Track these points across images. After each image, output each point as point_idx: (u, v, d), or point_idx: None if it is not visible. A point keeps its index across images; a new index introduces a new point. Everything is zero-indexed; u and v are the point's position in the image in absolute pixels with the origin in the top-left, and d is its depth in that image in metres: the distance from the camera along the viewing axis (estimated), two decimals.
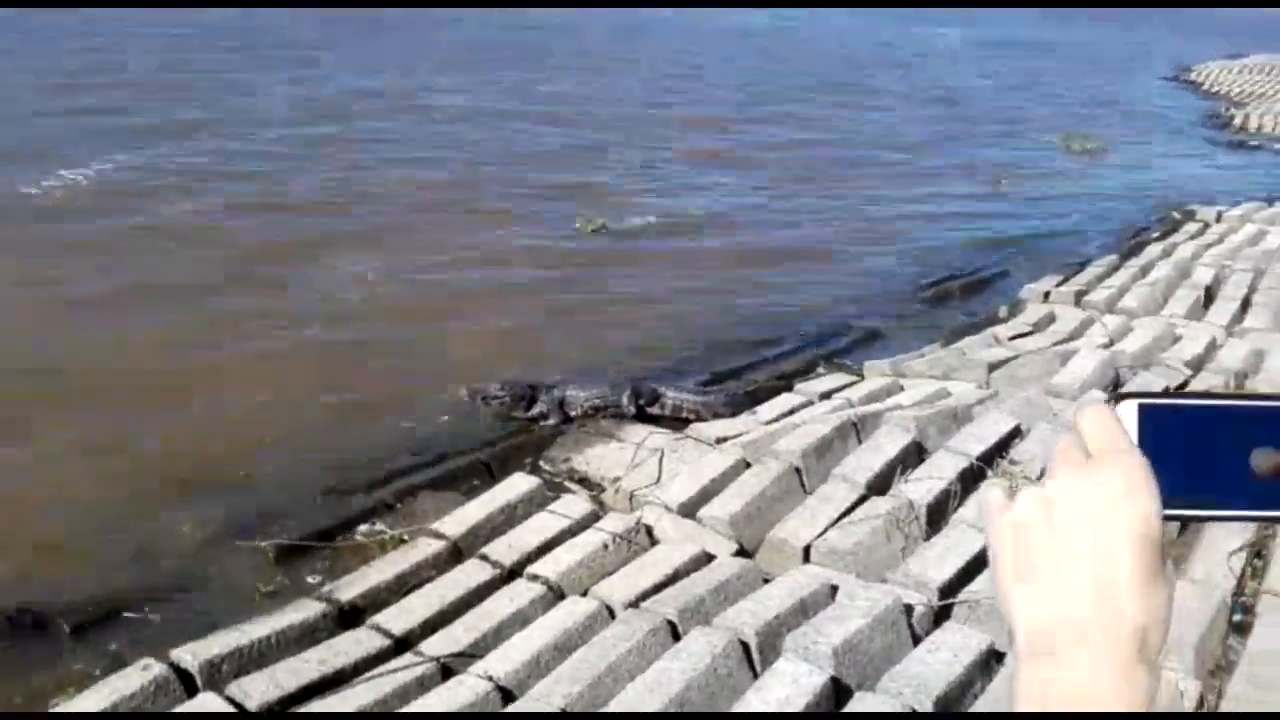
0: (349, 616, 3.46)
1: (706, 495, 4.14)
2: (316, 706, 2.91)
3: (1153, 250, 9.08)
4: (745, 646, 3.00)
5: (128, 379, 5.43)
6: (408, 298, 6.94)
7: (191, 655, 3.08)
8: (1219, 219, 10.52)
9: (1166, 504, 0.68)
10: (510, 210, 9.17)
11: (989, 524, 0.73)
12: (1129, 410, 0.73)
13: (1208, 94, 23.19)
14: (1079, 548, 0.67)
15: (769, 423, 4.99)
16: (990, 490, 0.76)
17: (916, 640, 3.20)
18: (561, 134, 12.93)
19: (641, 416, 5.17)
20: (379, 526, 4.15)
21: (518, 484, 4.20)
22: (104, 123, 11.15)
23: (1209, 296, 7.49)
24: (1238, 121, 19.50)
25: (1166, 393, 0.79)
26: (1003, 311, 7.34)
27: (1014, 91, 21.20)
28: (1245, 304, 7.20)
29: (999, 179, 12.25)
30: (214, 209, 8.51)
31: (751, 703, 2.70)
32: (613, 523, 3.90)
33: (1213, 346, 6.28)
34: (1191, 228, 10.23)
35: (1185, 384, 5.59)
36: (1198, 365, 5.89)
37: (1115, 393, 0.80)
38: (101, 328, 6.02)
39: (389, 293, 6.94)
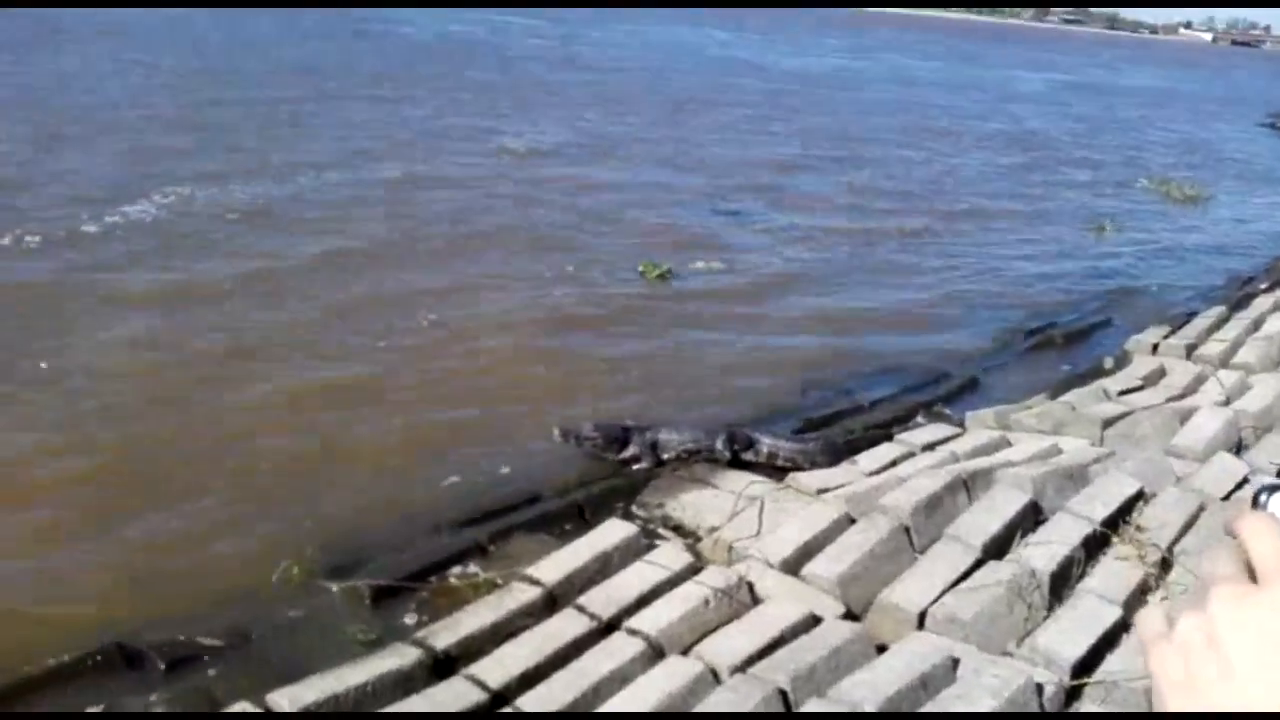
0: (443, 664, 3.35)
1: (810, 551, 3.96)
2: None
3: (1262, 303, 8.64)
4: None
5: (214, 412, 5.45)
6: (490, 336, 6.88)
7: (288, 701, 3.00)
8: None
9: None
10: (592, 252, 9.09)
11: (1148, 651, 0.67)
12: None
13: None
14: (1251, 689, 0.59)
15: (871, 474, 4.80)
16: (1148, 614, 0.68)
17: None
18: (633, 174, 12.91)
19: (736, 463, 5.02)
20: (472, 569, 4.05)
21: (613, 531, 4.06)
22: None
23: None
24: None
25: None
26: (1108, 363, 7.02)
27: (1105, 136, 20.68)
28: None
29: (1102, 226, 11.89)
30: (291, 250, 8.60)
31: None
32: (713, 576, 3.74)
33: None
34: None
35: None
36: None
37: (1267, 484, 0.67)
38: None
39: (469, 330, 6.87)
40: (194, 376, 5.73)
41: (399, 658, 3.29)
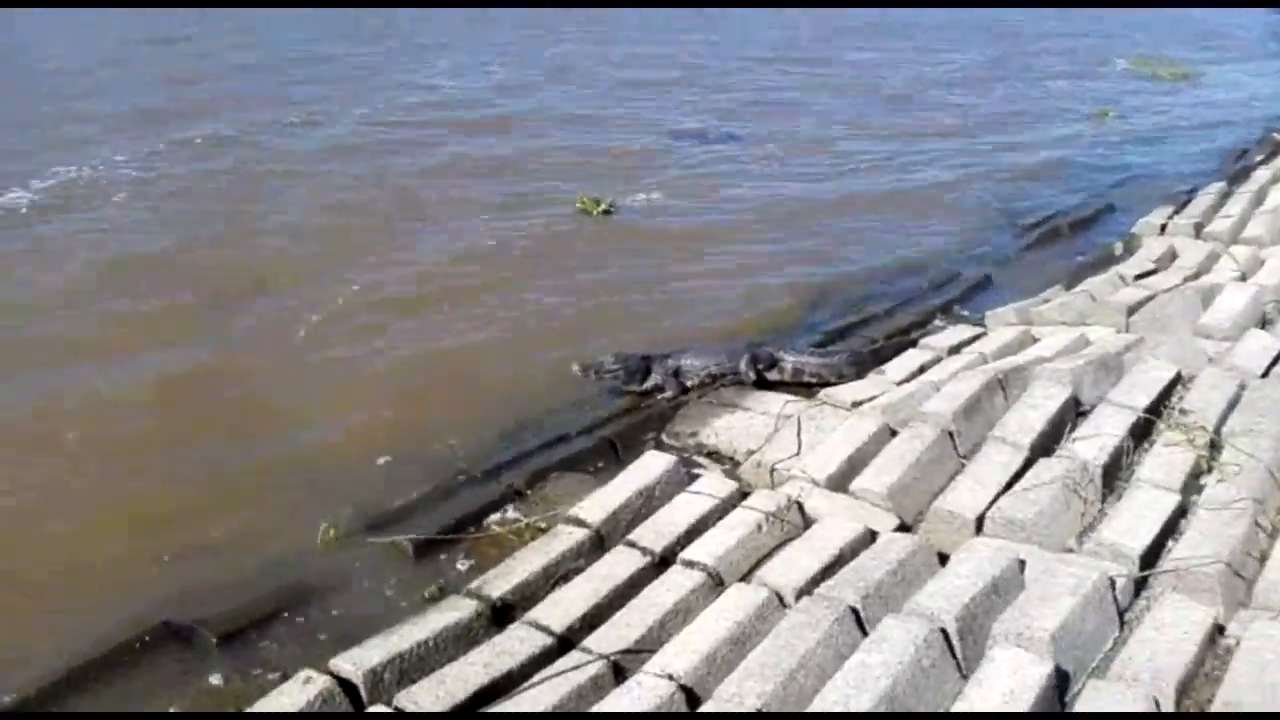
0: (501, 613, 3.28)
1: (855, 465, 3.90)
2: (493, 713, 2.73)
3: (1261, 175, 8.57)
4: (945, 635, 2.76)
5: (235, 375, 5.30)
6: (489, 275, 6.72)
7: (353, 665, 2.92)
8: None
9: None
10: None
11: None
12: None
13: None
14: None
15: (901, 383, 4.73)
16: None
17: (1121, 616, 2.96)
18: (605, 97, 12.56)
19: (761, 383, 4.93)
20: (512, 514, 3.97)
21: (652, 464, 3.97)
22: None
23: None
24: None
25: None
26: (1118, 248, 6.95)
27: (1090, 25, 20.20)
28: None
29: (1105, 112, 11.70)
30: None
31: (973, 699, 2.47)
32: (761, 500, 3.67)
33: None
34: None
35: None
36: None
37: None
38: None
39: (468, 271, 6.69)
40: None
41: (457, 610, 3.22)
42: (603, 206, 7.81)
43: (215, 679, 3.13)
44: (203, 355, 5.48)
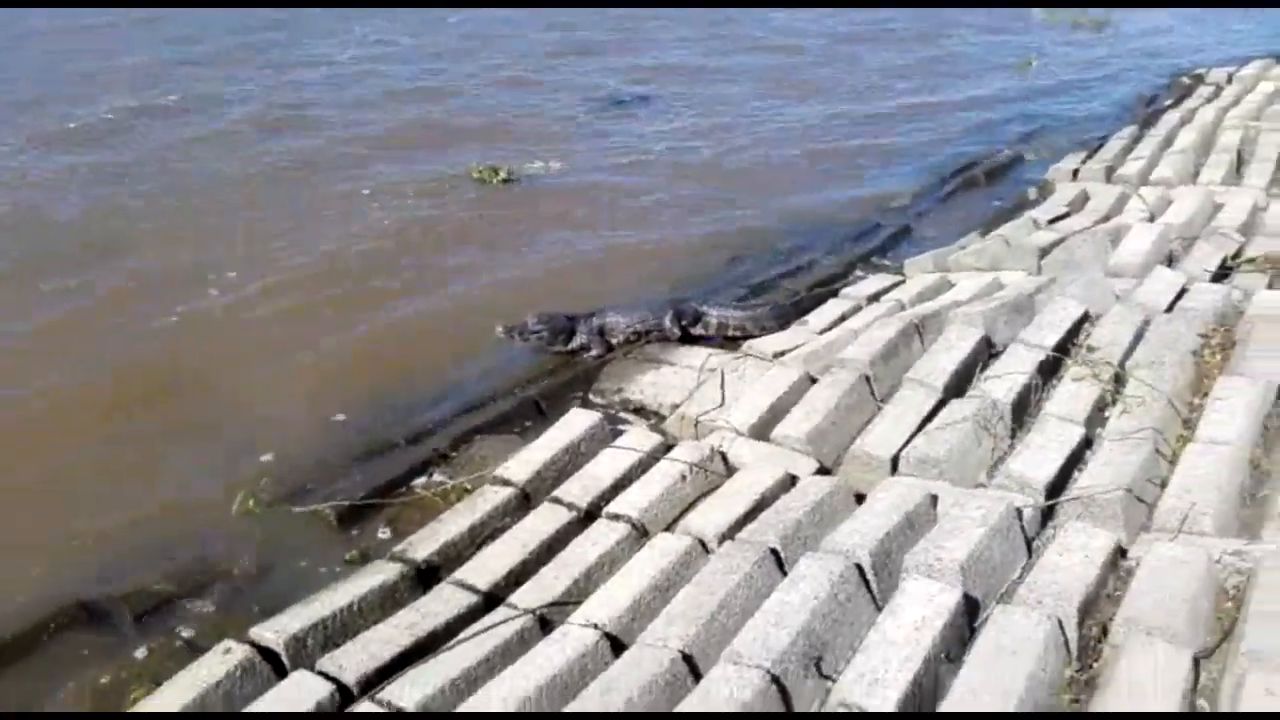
0: (426, 575, 3.27)
1: (776, 414, 3.95)
2: (417, 672, 2.73)
3: (1170, 118, 8.77)
4: (860, 570, 2.83)
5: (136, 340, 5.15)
6: (419, 235, 6.62)
7: (273, 633, 2.89)
8: (1230, 80, 10.21)
9: None
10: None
11: None
12: None
13: None
14: None
15: (823, 332, 4.79)
16: None
17: (1029, 545, 3.05)
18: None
19: (686, 338, 4.96)
20: (438, 477, 3.96)
21: (577, 420, 3.98)
22: None
23: (1240, 159, 7.25)
24: None
25: None
26: (1032, 194, 7.09)
27: None
28: None
29: (1028, 62, 11.87)
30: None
31: (887, 628, 2.54)
32: (685, 452, 3.70)
33: (1257, 210, 6.07)
34: (1205, 91, 9.91)
35: (1240, 251, 5.40)
36: (1247, 230, 5.70)
37: None
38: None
39: (375, 247, 6.52)
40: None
41: (380, 574, 3.20)
42: (501, 175, 7.69)
43: (130, 656, 3.07)
44: (117, 340, 5.31)
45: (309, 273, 6.06)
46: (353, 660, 2.80)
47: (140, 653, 3.08)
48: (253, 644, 2.89)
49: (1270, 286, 4.81)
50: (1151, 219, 5.98)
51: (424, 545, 3.36)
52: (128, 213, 7.03)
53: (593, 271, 6.11)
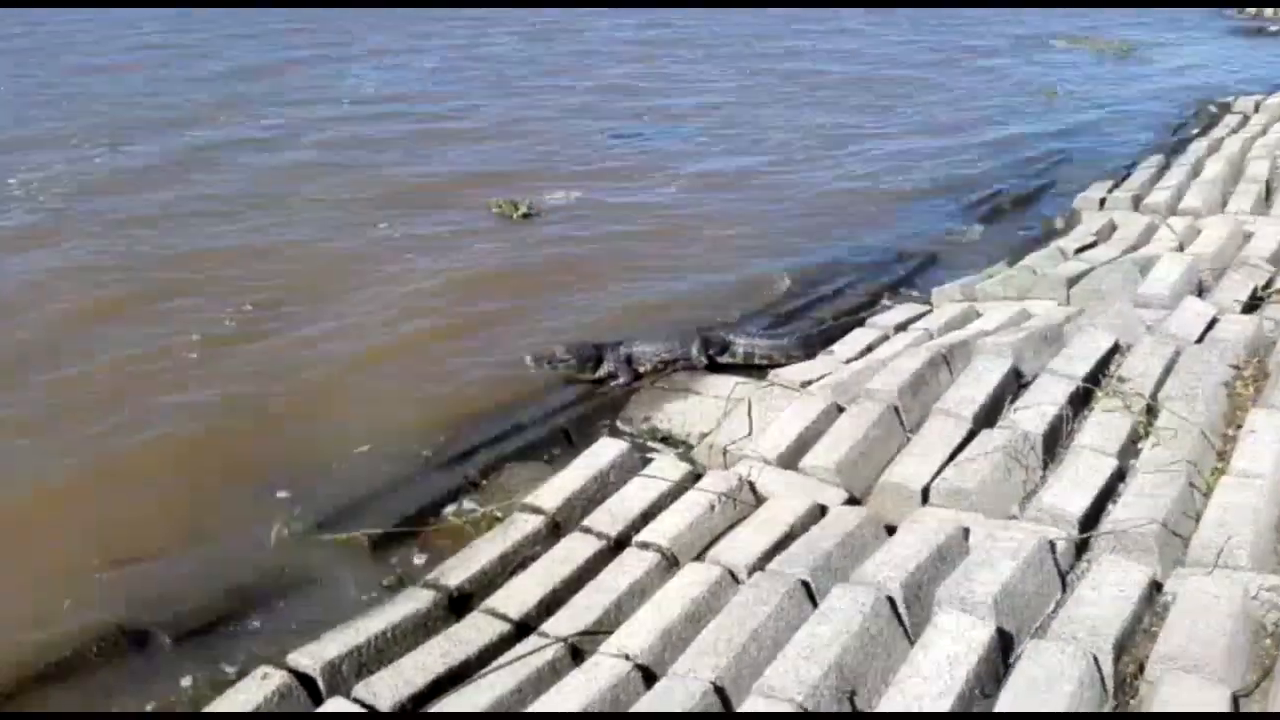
0: (459, 602, 3.31)
1: (804, 443, 3.96)
2: (451, 700, 2.76)
3: (1198, 147, 8.77)
4: (892, 602, 2.83)
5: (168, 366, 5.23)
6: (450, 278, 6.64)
7: (310, 659, 2.93)
8: (1258, 109, 10.18)
9: None
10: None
11: None
12: None
13: None
14: None
15: (850, 361, 4.80)
16: None
17: (1063, 578, 3.05)
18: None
19: (713, 367, 4.98)
20: (468, 505, 3.99)
21: (606, 449, 4.01)
22: None
23: (1269, 189, 7.23)
24: (1251, 10, 19.09)
25: None
26: (1059, 223, 7.10)
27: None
28: None
29: (1053, 91, 11.90)
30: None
31: (920, 662, 2.54)
32: (714, 481, 3.73)
33: None
34: (1231, 120, 9.91)
35: (1270, 281, 5.37)
36: (1277, 260, 5.67)
37: None
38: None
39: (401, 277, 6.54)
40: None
41: (414, 601, 3.23)
42: (521, 210, 7.67)
43: (172, 681, 3.11)
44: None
45: (343, 297, 6.11)
46: (387, 687, 2.83)
47: (183, 680, 3.11)
48: (290, 670, 2.92)
49: None
50: (1180, 248, 5.97)
51: (456, 572, 3.39)
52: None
53: (618, 300, 6.11)
